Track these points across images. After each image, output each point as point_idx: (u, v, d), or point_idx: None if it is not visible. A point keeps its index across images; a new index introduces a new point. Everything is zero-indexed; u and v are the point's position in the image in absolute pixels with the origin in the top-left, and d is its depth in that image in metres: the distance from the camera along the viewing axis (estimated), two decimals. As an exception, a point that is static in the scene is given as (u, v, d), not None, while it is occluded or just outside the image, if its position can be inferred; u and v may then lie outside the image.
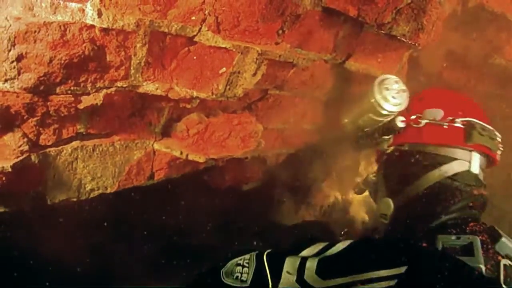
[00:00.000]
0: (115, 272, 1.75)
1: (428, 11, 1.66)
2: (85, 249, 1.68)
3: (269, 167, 2.12)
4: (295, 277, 1.18)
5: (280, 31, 1.63)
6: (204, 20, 1.46)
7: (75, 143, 1.47)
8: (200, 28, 1.47)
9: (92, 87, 1.36)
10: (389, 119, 1.70)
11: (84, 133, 1.48)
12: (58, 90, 1.30)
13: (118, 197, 1.68)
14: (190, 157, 1.64)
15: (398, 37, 1.75)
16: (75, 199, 1.55)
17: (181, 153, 1.63)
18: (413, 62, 2.06)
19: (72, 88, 1.32)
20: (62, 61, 1.26)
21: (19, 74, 1.23)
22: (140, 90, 1.46)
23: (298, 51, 1.74)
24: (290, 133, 2.07)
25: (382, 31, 1.73)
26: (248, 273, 1.25)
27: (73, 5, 1.26)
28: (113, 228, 1.79)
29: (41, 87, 1.26)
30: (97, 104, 1.37)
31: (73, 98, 1.34)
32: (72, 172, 1.50)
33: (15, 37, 1.20)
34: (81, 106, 1.36)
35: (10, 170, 1.31)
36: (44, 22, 1.22)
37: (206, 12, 1.45)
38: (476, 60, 2.15)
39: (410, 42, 1.74)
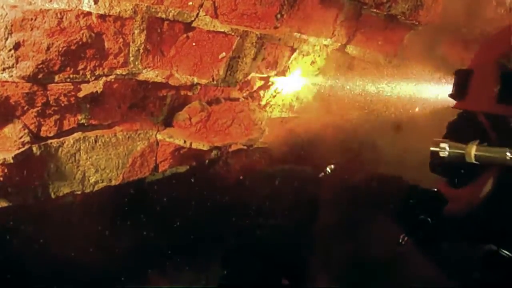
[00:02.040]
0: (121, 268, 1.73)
1: (427, -13, 1.64)
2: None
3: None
4: None
5: (279, 15, 1.61)
6: (201, 5, 1.45)
7: (77, 135, 1.45)
8: (198, 13, 1.46)
9: (91, 74, 1.34)
10: None
11: (85, 124, 1.46)
12: (57, 78, 1.28)
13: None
14: (194, 146, 1.61)
15: (398, 17, 1.72)
16: (79, 192, 1.52)
17: (185, 142, 1.61)
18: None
19: (71, 76, 1.30)
20: (60, 48, 1.24)
21: (17, 62, 1.21)
22: (140, 77, 1.44)
23: (298, 36, 1.72)
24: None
25: (381, 11, 1.71)
26: None
27: (69, -8, 1.25)
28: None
29: (40, 75, 1.25)
30: (97, 91, 1.36)
31: (72, 86, 1.32)
32: (75, 164, 1.48)
33: (11, 25, 1.19)
34: (81, 95, 1.34)
35: (11, 161, 1.29)
36: (41, 9, 1.21)
37: (203, -4, 1.44)
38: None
39: (410, 20, 1.72)
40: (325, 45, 1.83)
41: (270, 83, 1.86)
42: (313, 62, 1.86)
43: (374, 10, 1.73)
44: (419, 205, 1.23)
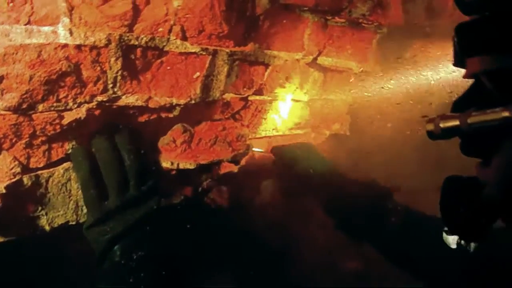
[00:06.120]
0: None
1: (381, -14, 1.83)
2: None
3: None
4: None
5: (246, 34, 1.80)
6: (170, 30, 1.63)
7: (66, 164, 1.58)
8: (169, 38, 1.63)
9: (74, 102, 1.49)
10: None
11: (73, 154, 1.60)
12: (41, 107, 1.43)
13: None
14: (181, 166, 1.73)
15: (360, 21, 1.91)
16: (74, 223, 1.63)
17: (172, 163, 1.74)
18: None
19: (54, 104, 1.45)
20: (42, 78, 1.40)
21: (2, 94, 1.36)
22: (120, 102, 1.59)
23: (268, 52, 1.89)
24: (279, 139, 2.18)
25: (343, 18, 1.90)
26: None
27: (46, 28, 1.43)
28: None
29: (24, 105, 1.39)
30: (80, 118, 1.50)
31: (56, 115, 1.47)
32: (67, 194, 1.60)
33: (-5, 61, 1.35)
34: (65, 122, 1.48)
35: (4, 191, 1.41)
36: (21, 44, 1.38)
37: (172, 22, 1.62)
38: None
39: (372, 23, 1.90)
40: (296, 59, 2.00)
41: (249, 102, 2.01)
42: (288, 78, 2.03)
43: (337, 18, 1.92)
44: (455, 196, 1.10)
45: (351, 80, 2.16)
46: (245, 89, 1.92)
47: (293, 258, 2.30)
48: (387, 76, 2.16)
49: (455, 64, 1.05)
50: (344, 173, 2.03)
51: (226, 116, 1.97)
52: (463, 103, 1.03)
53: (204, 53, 1.67)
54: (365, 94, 2.18)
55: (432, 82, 2.12)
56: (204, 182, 2.01)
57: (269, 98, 2.05)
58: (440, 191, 1.12)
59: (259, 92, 1.98)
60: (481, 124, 0.92)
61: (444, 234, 1.58)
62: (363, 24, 2.00)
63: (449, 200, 1.11)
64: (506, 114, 0.86)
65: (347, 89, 2.20)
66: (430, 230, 1.69)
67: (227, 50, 1.71)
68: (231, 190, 2.14)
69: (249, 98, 1.98)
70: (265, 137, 2.15)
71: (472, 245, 1.45)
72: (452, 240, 1.55)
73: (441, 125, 0.99)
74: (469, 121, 0.94)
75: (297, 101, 2.17)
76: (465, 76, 1.01)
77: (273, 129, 2.16)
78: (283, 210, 2.25)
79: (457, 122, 0.96)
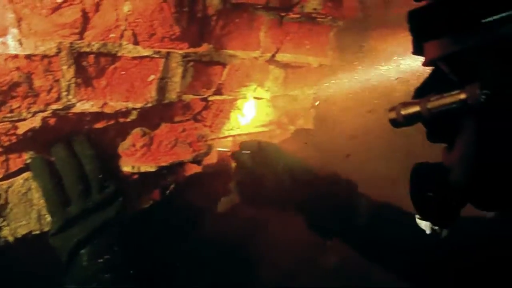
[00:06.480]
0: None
1: (328, -20, 1.89)
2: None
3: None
4: None
5: (200, 34, 1.85)
6: (122, 36, 1.67)
7: (25, 174, 1.62)
8: (121, 44, 1.68)
9: (28, 112, 1.53)
10: None
11: (32, 163, 1.64)
12: (-6, 119, 1.47)
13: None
14: (142, 169, 1.78)
15: (313, 15, 1.96)
16: (38, 232, 1.67)
17: (133, 167, 1.78)
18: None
19: (7, 115, 1.49)
20: (-7, 90, 1.44)
21: (-47, 108, 1.41)
22: (75, 110, 1.63)
23: (224, 52, 1.95)
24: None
25: (297, 14, 1.96)
26: None
27: (-5, 40, 1.48)
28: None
29: (-23, 117, 1.44)
30: (35, 127, 1.54)
31: (10, 125, 1.51)
32: (28, 203, 1.63)
33: None
34: (20, 132, 1.53)
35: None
36: (-30, 58, 1.43)
37: (123, 27, 1.66)
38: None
39: (325, 16, 1.96)
40: (254, 57, 2.06)
41: (210, 103, 2.06)
42: (247, 76, 2.08)
43: (291, 14, 1.98)
44: (424, 182, 1.14)
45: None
46: (204, 89, 1.97)
47: (268, 258, 2.35)
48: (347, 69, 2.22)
49: (414, 52, 1.09)
50: (312, 170, 2.05)
51: (187, 118, 2.01)
52: (424, 90, 1.07)
53: (157, 56, 1.72)
54: (328, 88, 2.24)
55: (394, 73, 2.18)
56: (171, 185, 2.06)
57: (230, 98, 2.10)
58: (409, 179, 1.17)
59: (218, 92, 2.03)
60: (440, 108, 0.96)
61: (418, 220, 1.65)
62: (318, 19, 2.06)
63: (418, 187, 1.15)
64: (462, 96, 0.91)
65: (309, 84, 2.25)
66: (401, 222, 1.76)
67: (181, 52, 1.76)
68: (198, 191, 2.19)
69: (209, 98, 2.03)
70: (229, 136, 2.20)
71: (444, 230, 1.52)
72: (425, 226, 1.62)
73: (402, 112, 1.03)
74: (428, 106, 0.98)
75: (259, 98, 2.22)
76: (424, 64, 1.06)
77: (237, 128, 2.21)
78: (254, 211, 2.29)
79: (417, 108, 1.00)
